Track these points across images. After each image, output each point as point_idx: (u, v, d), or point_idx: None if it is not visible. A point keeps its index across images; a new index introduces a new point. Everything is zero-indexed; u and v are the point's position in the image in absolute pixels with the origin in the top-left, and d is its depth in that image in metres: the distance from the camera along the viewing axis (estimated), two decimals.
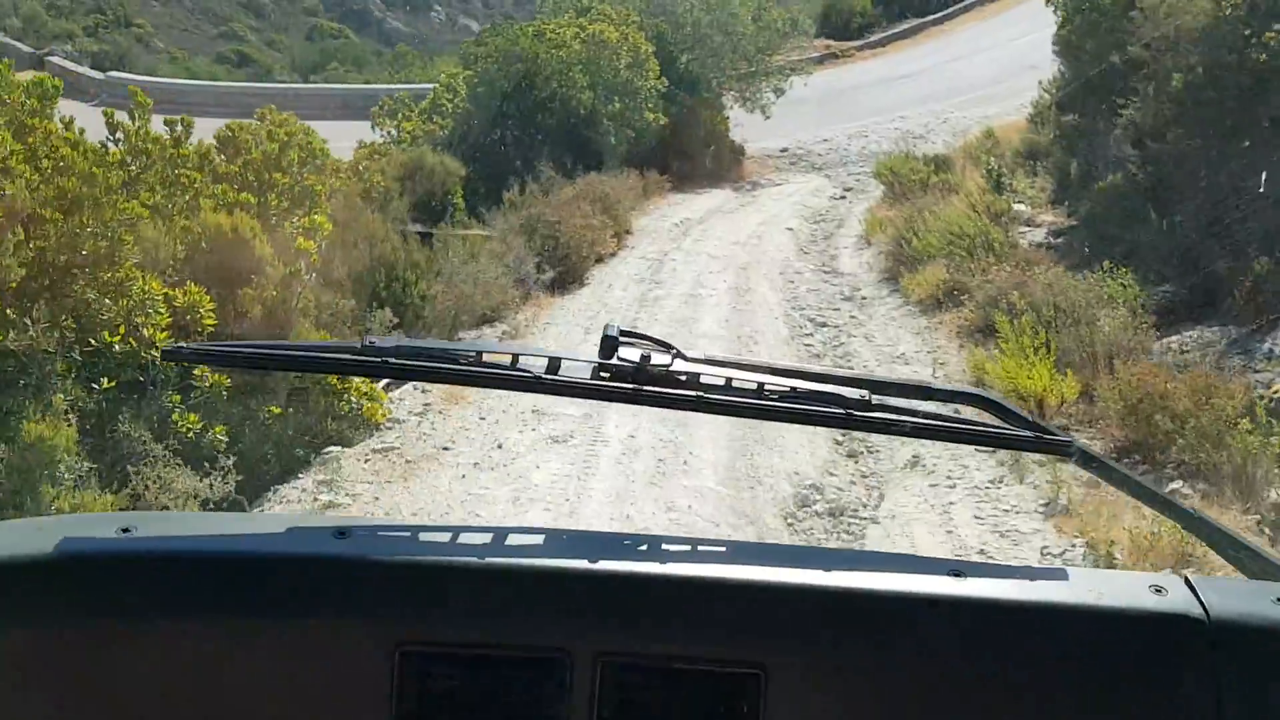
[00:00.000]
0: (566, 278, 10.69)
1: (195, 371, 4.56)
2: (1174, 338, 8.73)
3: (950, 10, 31.63)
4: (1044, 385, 6.29)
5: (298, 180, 5.79)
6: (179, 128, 5.81)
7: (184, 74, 29.61)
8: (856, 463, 6.19)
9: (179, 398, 4.64)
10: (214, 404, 4.64)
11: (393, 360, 1.15)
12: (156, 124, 5.99)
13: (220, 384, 4.65)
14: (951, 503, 5.31)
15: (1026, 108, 24.20)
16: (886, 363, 8.17)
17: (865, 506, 5.49)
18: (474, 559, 1.04)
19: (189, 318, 4.47)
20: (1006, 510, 5.21)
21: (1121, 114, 11.75)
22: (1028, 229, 14.06)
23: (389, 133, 15.02)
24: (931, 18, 31.34)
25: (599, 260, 11.96)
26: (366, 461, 5.31)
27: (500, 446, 5.70)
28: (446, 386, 6.30)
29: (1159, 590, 1.05)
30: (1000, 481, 5.52)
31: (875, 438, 6.34)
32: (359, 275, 7.58)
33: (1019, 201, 15.40)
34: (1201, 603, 1.03)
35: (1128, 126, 11.66)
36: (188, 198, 5.23)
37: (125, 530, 1.04)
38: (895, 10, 32.25)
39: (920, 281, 10.01)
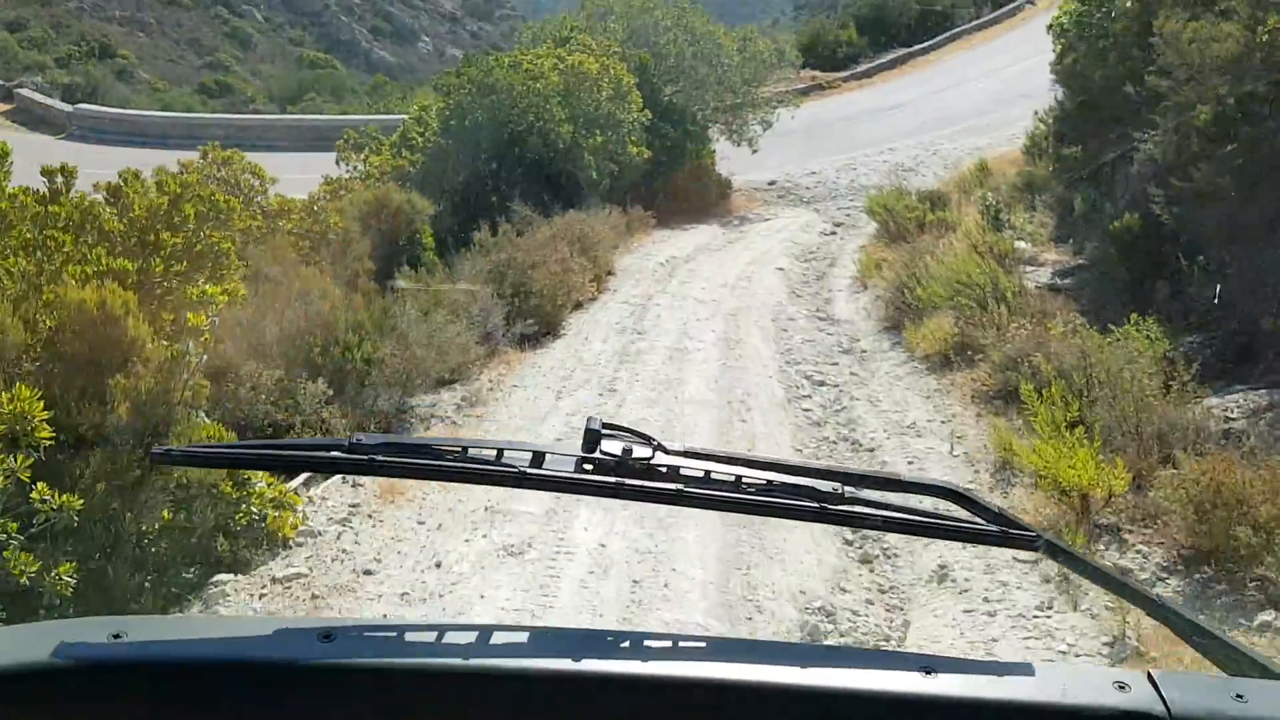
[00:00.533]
0: (540, 329, 9.62)
1: (32, 494, 3.47)
2: (1214, 400, 7.71)
3: (936, 40, 30.98)
4: (1089, 478, 5.23)
5: (198, 239, 4.73)
6: (59, 179, 4.72)
7: (159, 105, 28.56)
8: (872, 571, 5.11)
9: (15, 526, 3.54)
10: (61, 534, 3.55)
11: (379, 458, 1.16)
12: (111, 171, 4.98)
13: (71, 506, 3.56)
14: (993, 639, 4.23)
15: (1019, 138, 23.41)
16: (895, 433, 7.11)
17: (889, 639, 4.40)
18: (458, 660, 1.05)
19: (18, 428, 3.39)
20: (1064, 650, 4.14)
21: (1139, 148, 10.81)
22: (1031, 268, 13.09)
23: (355, 168, 13.97)
24: (918, 47, 30.68)
25: (577, 306, 10.90)
26: (261, 597, 4.15)
27: (439, 565, 4.56)
28: (384, 481, 5.30)
29: (1123, 687, 1.04)
30: (1049, 607, 4.44)
31: (891, 538, 5.29)
32: (292, 338, 6.49)
33: (1020, 239, 14.45)
34: (1163, 699, 1.03)
35: (1146, 162, 10.72)
36: (55, 265, 4.15)
37: (116, 636, 1.04)
38: (881, 41, 31.59)
39: (926, 335, 8.99)
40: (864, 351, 9.59)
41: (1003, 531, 1.15)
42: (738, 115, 19.44)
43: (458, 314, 8.67)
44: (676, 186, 17.47)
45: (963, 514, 1.17)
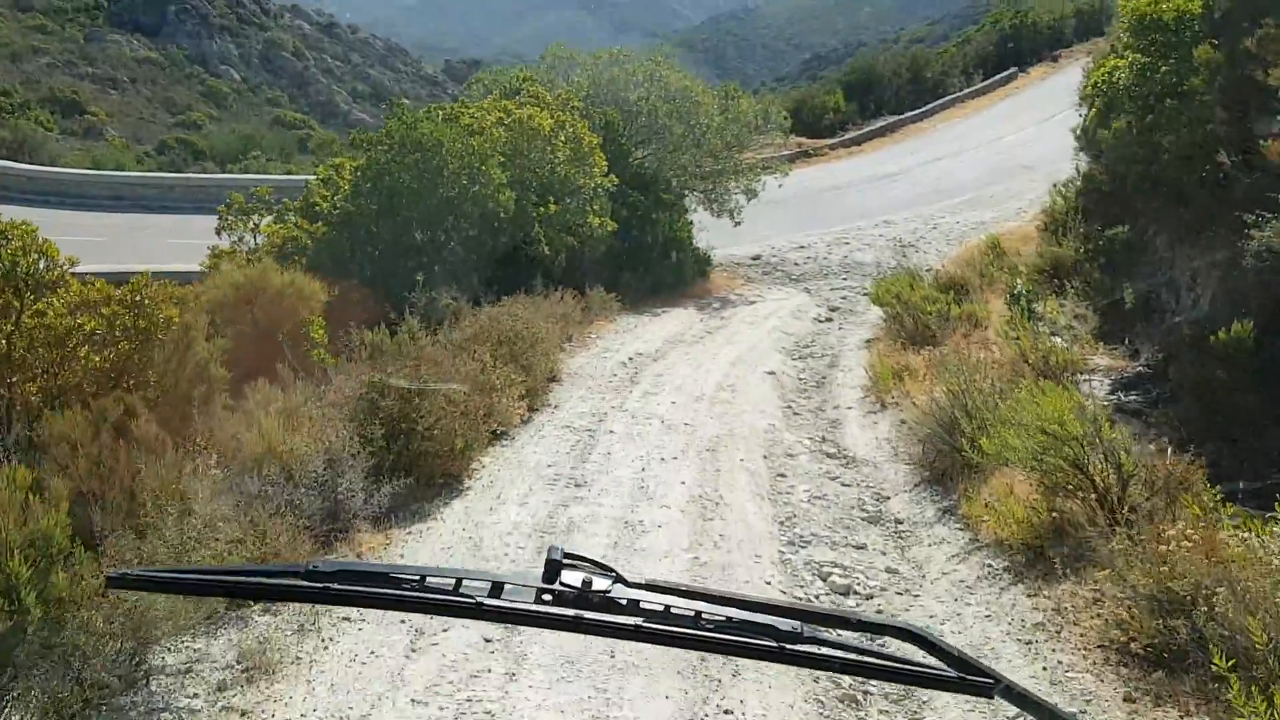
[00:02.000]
0: (427, 486, 6.38)
1: None
2: None
3: (929, 108, 28.57)
4: None
5: None
6: None
7: (89, 163, 25.49)
8: None
9: None
10: None
11: (335, 587, 1.13)
12: None
13: None
14: None
15: (1027, 212, 20.65)
16: None
17: None
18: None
19: None
20: None
21: (1252, 234, 7.86)
22: (1082, 377, 10.05)
23: (240, 238, 10.83)
24: (909, 114, 28.22)
25: (498, 437, 7.72)
26: None
27: None
28: (277, 650, 4.12)
29: None
30: None
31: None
32: None
33: (1054, 333, 11.43)
34: None
35: (1263, 253, 7.77)
36: None
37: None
38: (870, 108, 29.12)
39: (995, 505, 5.87)
40: (900, 523, 6.41)
41: (960, 677, 1.11)
42: (718, 182, 16.56)
43: (291, 476, 5.44)
44: (647, 263, 14.48)
45: (923, 656, 1.11)
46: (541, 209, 12.15)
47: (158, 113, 55.58)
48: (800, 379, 10.79)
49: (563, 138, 12.93)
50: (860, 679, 3.84)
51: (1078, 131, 15.22)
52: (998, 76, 30.29)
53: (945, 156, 24.63)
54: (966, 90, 29.71)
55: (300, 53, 66.11)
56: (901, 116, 28.11)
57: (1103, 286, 12.59)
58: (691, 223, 16.16)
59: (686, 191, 16.64)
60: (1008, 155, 24.35)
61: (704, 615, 1.12)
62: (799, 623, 1.13)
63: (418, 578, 1.14)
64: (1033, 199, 21.88)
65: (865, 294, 16.19)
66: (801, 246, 19.40)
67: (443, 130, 11.23)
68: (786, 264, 18.59)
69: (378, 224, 10.91)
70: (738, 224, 16.76)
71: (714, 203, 16.60)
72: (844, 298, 15.91)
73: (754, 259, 18.83)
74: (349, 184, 11.24)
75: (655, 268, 14.56)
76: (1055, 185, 17.72)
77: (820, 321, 14.36)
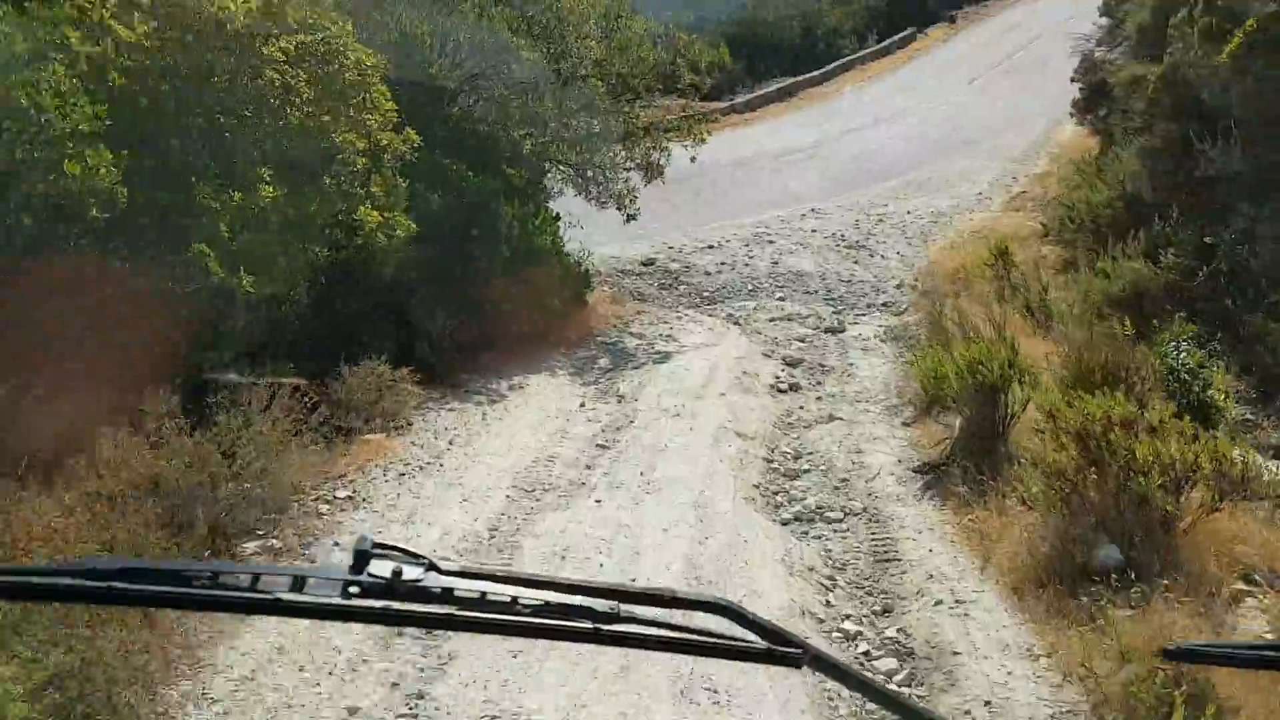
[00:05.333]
0: None
1: None
2: None
3: (829, 68, 22.57)
4: None
5: None
6: None
7: None
8: None
9: None
10: None
11: (118, 585, 0.98)
12: None
13: None
14: None
15: (991, 199, 14.87)
16: None
17: None
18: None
19: None
20: None
21: None
22: None
23: None
24: (806, 77, 22.12)
25: None
26: None
27: None
28: None
29: None
30: None
31: None
32: None
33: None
34: None
35: None
36: None
37: None
38: (759, 68, 22.83)
39: None
40: None
41: (769, 649, 1.06)
42: (597, 151, 9.66)
43: None
44: (480, 293, 7.41)
45: (734, 629, 1.04)
46: (226, 198, 4.98)
47: None
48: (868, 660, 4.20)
49: (290, 45, 5.73)
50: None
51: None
52: (896, 37, 24.75)
53: (862, 127, 18.62)
54: (865, 51, 23.97)
55: None
56: (798, 79, 21.97)
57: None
58: (558, 217, 9.19)
59: (549, 165, 9.69)
60: (936, 126, 18.59)
61: (520, 600, 1.02)
62: (615, 603, 1.04)
63: (210, 575, 1.00)
64: (991, 181, 16.25)
65: (828, 329, 9.85)
66: (710, 246, 12.81)
67: None
68: (694, 273, 11.96)
69: None
70: (630, 218, 9.95)
71: (592, 183, 9.74)
72: (802, 339, 9.43)
73: (646, 264, 12.11)
74: None
75: (498, 301, 7.55)
76: (1071, 163, 11.98)
77: (781, 391, 7.82)
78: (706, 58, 10.91)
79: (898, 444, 6.16)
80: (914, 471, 5.83)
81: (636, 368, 8.09)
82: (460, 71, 8.74)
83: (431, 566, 1.02)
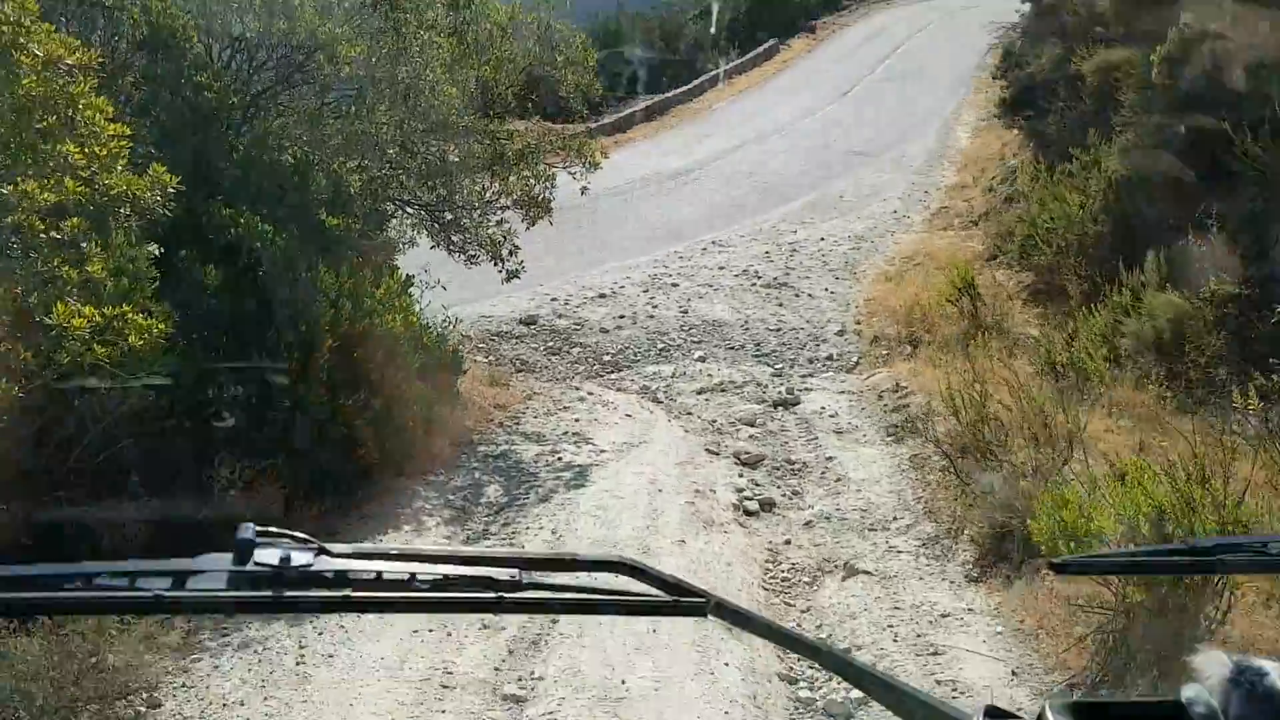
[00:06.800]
0: None
1: None
2: None
3: (697, 83, 20.72)
4: None
5: None
6: None
7: None
8: None
9: None
10: None
11: None
12: None
13: None
14: None
15: (910, 217, 13.00)
16: None
17: None
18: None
19: None
20: None
21: None
22: None
23: None
24: (675, 93, 20.17)
25: None
26: None
27: None
28: None
29: None
30: None
31: None
32: None
33: None
34: None
35: None
36: None
37: None
38: (623, 84, 20.74)
39: None
40: None
41: (674, 600, 1.03)
42: (457, 187, 6.97)
43: None
44: (298, 417, 4.61)
45: (638, 586, 1.02)
46: None
47: None
48: None
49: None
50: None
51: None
52: (759, 50, 23.29)
53: (744, 143, 16.75)
54: (730, 65, 22.31)
55: None
56: (666, 96, 19.99)
57: None
58: (409, 280, 6.43)
59: (392, 208, 6.92)
60: (823, 139, 16.97)
61: (418, 576, 0.96)
62: (517, 570, 0.99)
63: (84, 577, 0.94)
64: (901, 196, 14.64)
65: (777, 402, 7.54)
66: (602, 295, 10.34)
67: None
68: (587, 331, 9.44)
69: None
70: (512, 276, 7.31)
71: (453, 229, 7.02)
72: (750, 421, 7.06)
73: (527, 323, 9.48)
74: None
75: (322, 424, 4.77)
76: (1009, 168, 10.61)
77: (750, 514, 5.44)
78: (592, 59, 8.45)
79: (984, 626, 3.86)
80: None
81: (544, 499, 5.47)
82: (258, 79, 5.90)
83: (322, 550, 0.97)
